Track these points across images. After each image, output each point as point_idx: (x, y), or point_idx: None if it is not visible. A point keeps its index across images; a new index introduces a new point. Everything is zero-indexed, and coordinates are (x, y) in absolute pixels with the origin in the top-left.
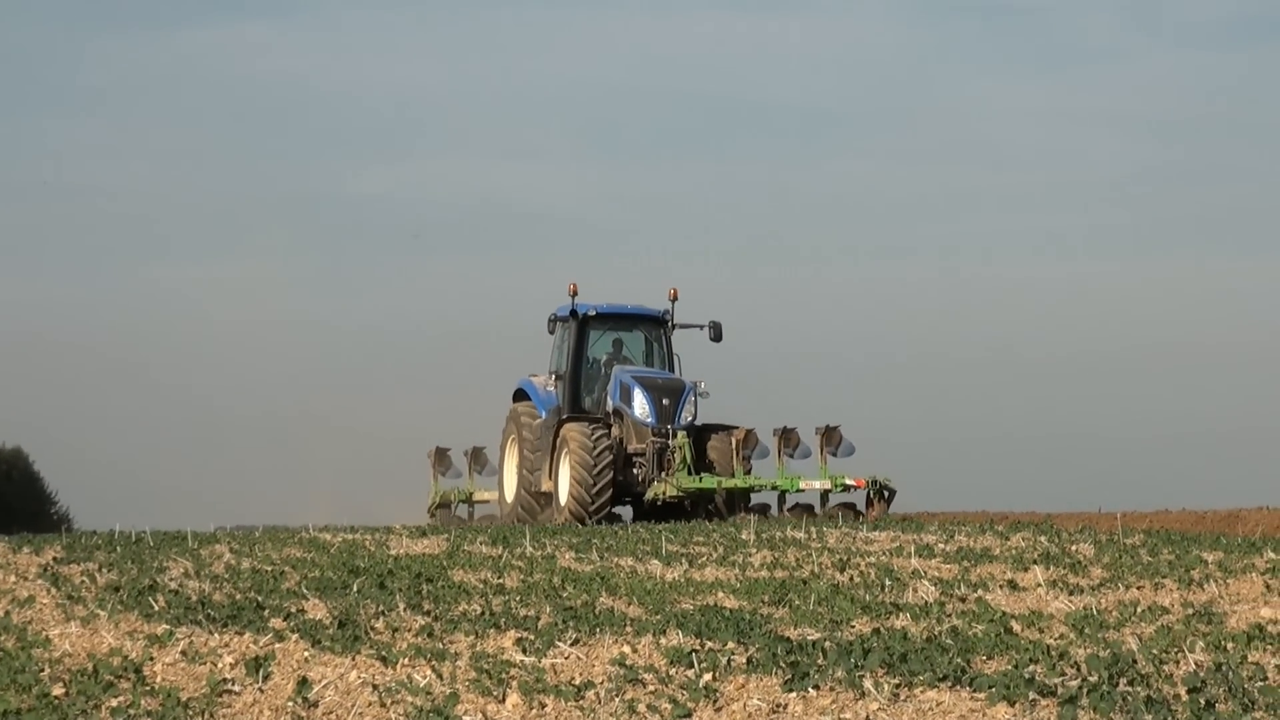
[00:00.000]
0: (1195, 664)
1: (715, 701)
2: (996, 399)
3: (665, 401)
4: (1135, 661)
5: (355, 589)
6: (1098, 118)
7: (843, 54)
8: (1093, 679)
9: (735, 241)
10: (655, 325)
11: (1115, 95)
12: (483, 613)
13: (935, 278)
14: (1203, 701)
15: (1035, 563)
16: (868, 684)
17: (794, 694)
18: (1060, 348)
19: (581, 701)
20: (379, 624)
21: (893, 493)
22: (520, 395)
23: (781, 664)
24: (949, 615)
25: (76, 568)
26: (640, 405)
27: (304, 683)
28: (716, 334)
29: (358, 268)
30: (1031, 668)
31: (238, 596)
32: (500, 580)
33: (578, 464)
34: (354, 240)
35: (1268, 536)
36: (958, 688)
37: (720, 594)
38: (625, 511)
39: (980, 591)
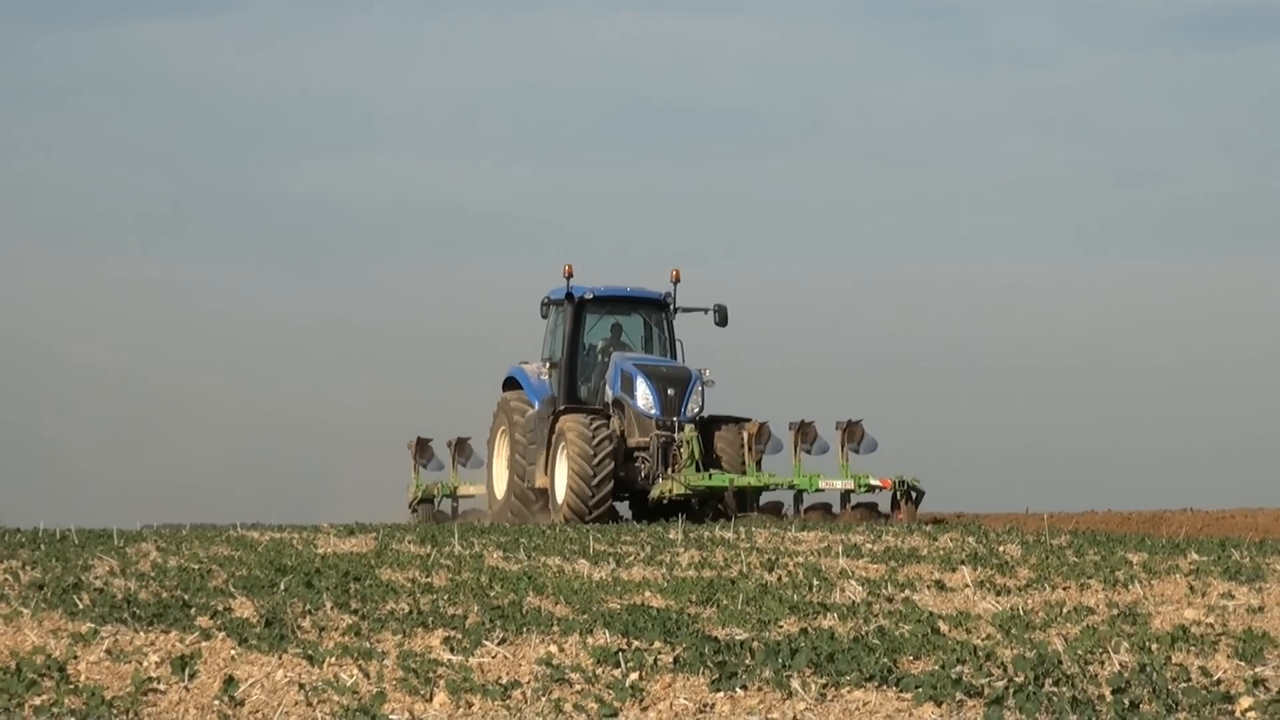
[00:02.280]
0: (1120, 665)
1: (642, 701)
2: (914, 399)
3: (670, 392)
4: (1061, 662)
5: (282, 587)
6: (1028, 120)
7: (774, 56)
8: (1019, 679)
9: (673, 242)
10: (656, 309)
11: (1046, 98)
12: (410, 612)
13: (866, 280)
14: (1127, 702)
15: (963, 563)
16: (795, 684)
17: (721, 693)
18: (987, 351)
19: (508, 701)
20: (306, 623)
21: (920, 494)
22: (511, 384)
23: (708, 663)
24: (876, 615)
25: None
26: (643, 395)
27: (230, 681)
28: (722, 318)
29: (296, 265)
30: (958, 668)
31: (164, 595)
32: (428, 579)
33: (576, 458)
34: (292, 238)
35: (1191, 538)
36: (885, 688)
37: (647, 593)
38: (624, 509)
39: (908, 592)
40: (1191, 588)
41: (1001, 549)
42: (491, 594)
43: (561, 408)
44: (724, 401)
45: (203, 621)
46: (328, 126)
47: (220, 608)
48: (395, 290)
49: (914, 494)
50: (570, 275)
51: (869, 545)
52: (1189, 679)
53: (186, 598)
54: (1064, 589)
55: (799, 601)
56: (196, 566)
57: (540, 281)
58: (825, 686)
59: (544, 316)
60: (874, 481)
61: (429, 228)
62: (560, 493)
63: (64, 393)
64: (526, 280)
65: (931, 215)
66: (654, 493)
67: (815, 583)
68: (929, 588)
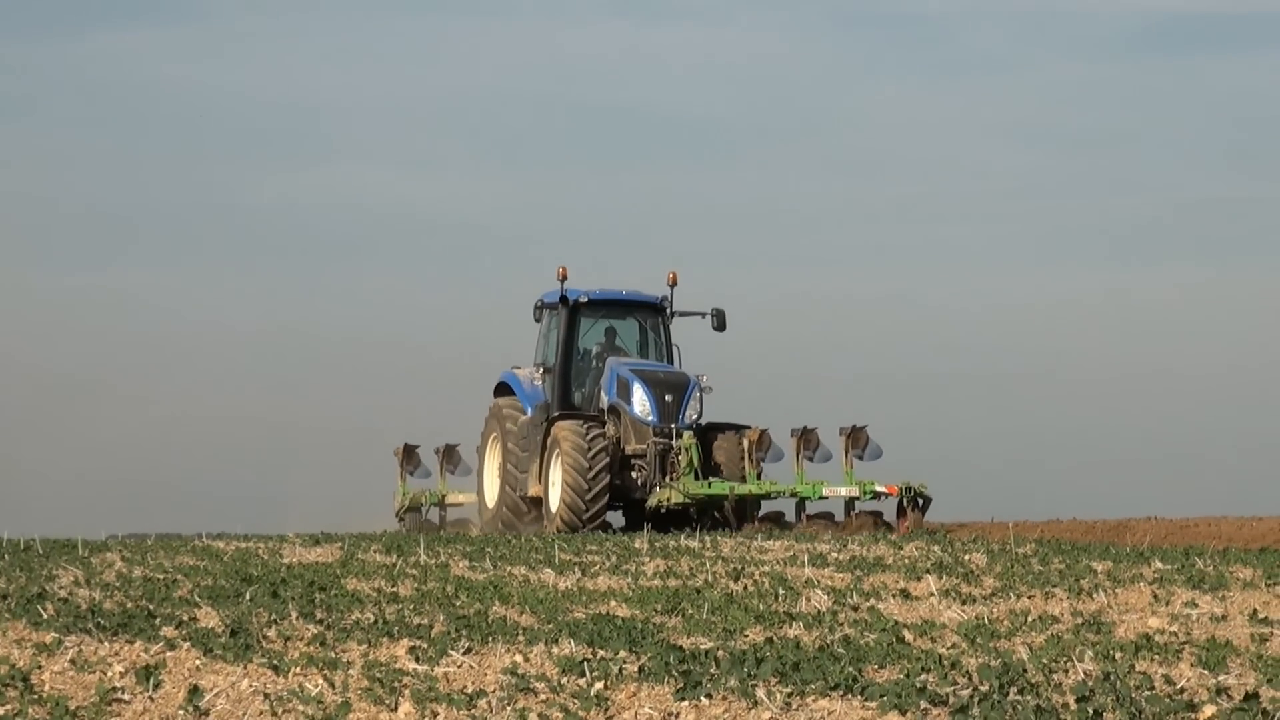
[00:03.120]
0: (1084, 673)
1: (607, 710)
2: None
3: (668, 398)
4: (1025, 671)
5: (248, 597)
6: (992, 128)
7: (740, 65)
8: (984, 688)
9: (635, 250)
10: (652, 313)
11: (1010, 106)
12: (376, 621)
13: (834, 288)
14: (1091, 710)
15: (928, 572)
16: (760, 693)
17: (686, 703)
18: (953, 359)
19: (473, 710)
20: (271, 632)
21: (928, 501)
22: (503, 389)
23: (673, 673)
24: (842, 624)
25: None
26: (640, 402)
27: (195, 691)
28: (720, 323)
29: (262, 273)
30: (923, 677)
31: (129, 605)
32: (394, 589)
33: (571, 467)
34: (257, 247)
35: (1155, 547)
36: (850, 697)
37: (613, 603)
38: (617, 519)
39: (873, 601)
40: (1155, 596)
41: (967, 558)
42: (457, 603)
43: (556, 414)
44: (719, 408)
45: (167, 631)
46: (293, 136)
47: (185, 618)
48: (361, 298)
49: (921, 500)
50: (564, 278)
51: (834, 554)
52: (1153, 687)
53: (151, 608)
54: (1029, 598)
55: (764, 611)
56: (161, 576)
57: (508, 290)
58: (790, 695)
59: (537, 320)
60: (880, 488)
61: (395, 237)
62: (554, 502)
63: (28, 402)
64: (495, 289)
65: (893, 223)
66: (651, 501)
67: (781, 592)
68: (894, 596)
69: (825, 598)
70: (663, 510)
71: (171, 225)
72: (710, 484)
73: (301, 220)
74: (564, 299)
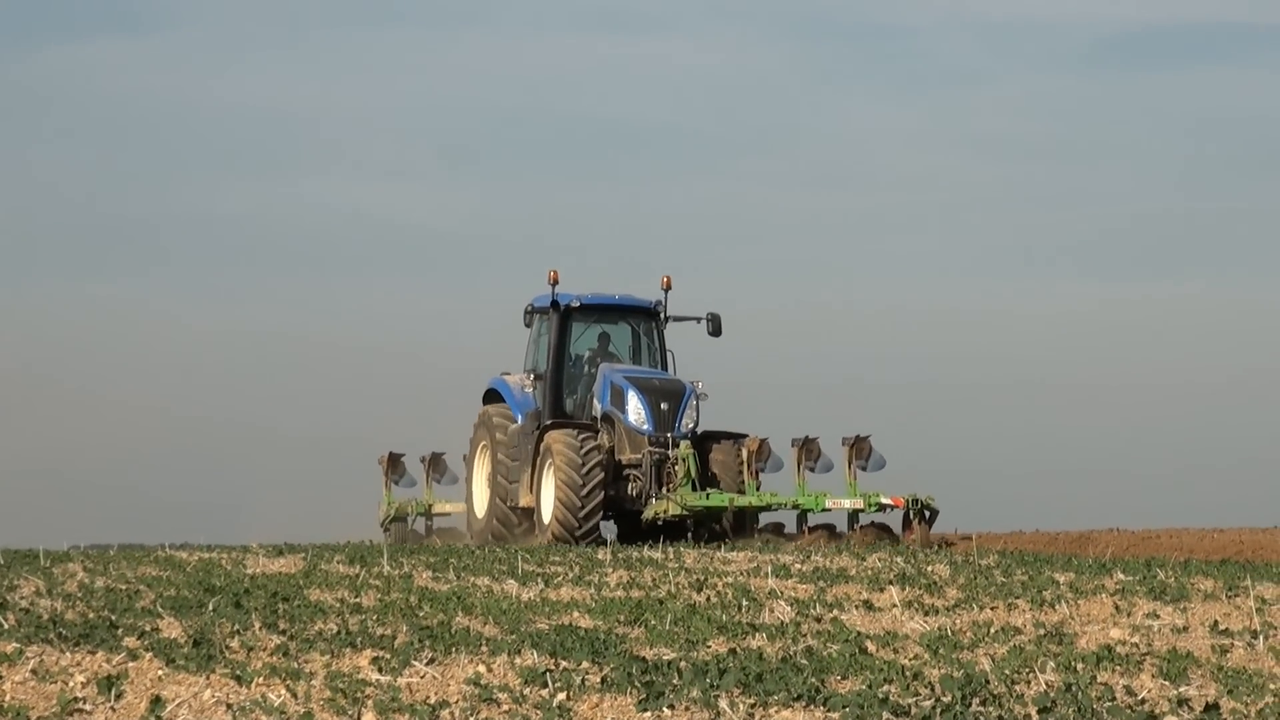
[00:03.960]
0: (1046, 684)
1: None
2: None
3: (664, 406)
4: (988, 682)
5: (211, 608)
6: (962, 140)
7: (708, 75)
8: (946, 699)
9: (600, 261)
10: (646, 318)
11: (978, 117)
12: (339, 632)
13: (798, 299)
14: None
15: (891, 583)
16: (723, 704)
17: (648, 713)
18: (919, 369)
19: None
20: (234, 643)
21: (935, 513)
22: (492, 396)
23: (636, 684)
24: (804, 635)
25: None
26: (635, 410)
27: (157, 701)
28: (715, 328)
29: (229, 281)
30: (886, 688)
31: (91, 615)
32: (357, 599)
33: (564, 478)
34: (224, 257)
35: (1117, 558)
36: (812, 707)
37: (576, 613)
38: (608, 529)
39: (836, 612)
40: (1117, 607)
41: (930, 569)
42: (420, 614)
43: (548, 422)
44: (712, 416)
45: (130, 642)
46: (262, 146)
47: (147, 628)
48: (331, 307)
49: (928, 513)
50: (555, 282)
51: (798, 566)
52: (1114, 698)
53: (114, 618)
54: (991, 609)
55: (727, 622)
56: (124, 587)
57: (482, 299)
58: (753, 706)
59: (527, 325)
60: (885, 500)
61: (364, 246)
62: (547, 513)
63: None
64: (470, 298)
65: (860, 235)
66: (648, 513)
67: (744, 603)
68: (857, 608)
69: (788, 609)
70: (659, 522)
71: (140, 234)
72: (708, 495)
73: (270, 230)
74: (555, 304)
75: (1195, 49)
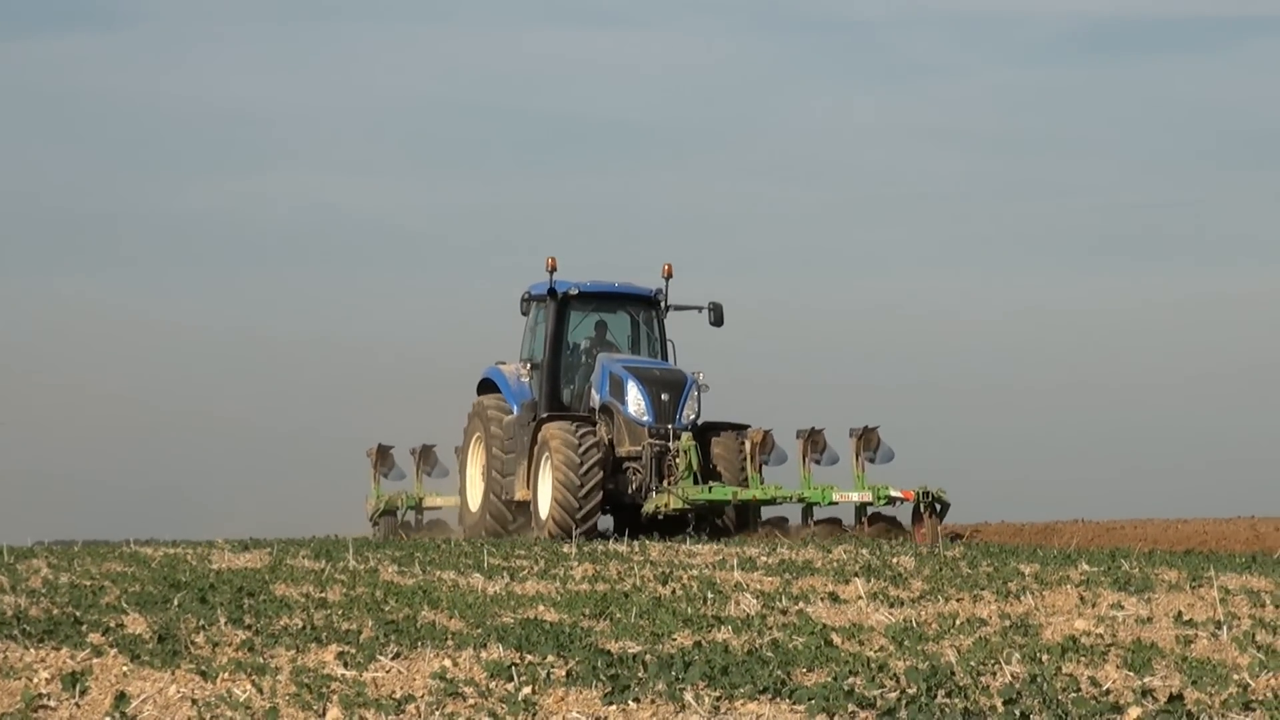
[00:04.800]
0: (1011, 676)
1: (535, 715)
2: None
3: (665, 397)
4: (953, 673)
5: (176, 603)
6: (929, 133)
7: (677, 69)
8: (911, 691)
9: (580, 255)
10: (646, 306)
11: (944, 111)
12: (304, 627)
13: (774, 295)
14: (1018, 713)
15: (856, 575)
16: (688, 697)
17: (614, 707)
18: (881, 363)
19: (402, 715)
20: (199, 638)
21: (946, 506)
22: (487, 386)
23: (601, 677)
24: (770, 628)
25: None
26: (635, 401)
27: (122, 697)
28: (717, 317)
29: (188, 279)
30: (851, 680)
31: (55, 611)
32: (323, 594)
33: (562, 469)
34: (182, 253)
35: (1082, 549)
36: (778, 700)
37: (541, 607)
38: (604, 522)
39: (802, 604)
40: (1082, 598)
41: (895, 561)
42: (386, 609)
43: (545, 414)
44: (711, 408)
45: (94, 638)
46: (226, 143)
47: (112, 624)
48: (293, 302)
49: (939, 506)
50: (553, 269)
51: (763, 558)
52: (1079, 689)
53: (78, 614)
54: (957, 600)
55: (693, 615)
56: (88, 583)
57: (448, 295)
58: (719, 699)
59: (524, 313)
60: (894, 493)
61: (328, 242)
62: (544, 507)
63: None
64: (434, 293)
65: (827, 227)
66: (648, 507)
67: (709, 596)
68: (823, 600)
69: (754, 601)
70: (659, 516)
71: (102, 229)
72: (711, 489)
73: (235, 225)
74: (553, 291)
75: (1157, 41)
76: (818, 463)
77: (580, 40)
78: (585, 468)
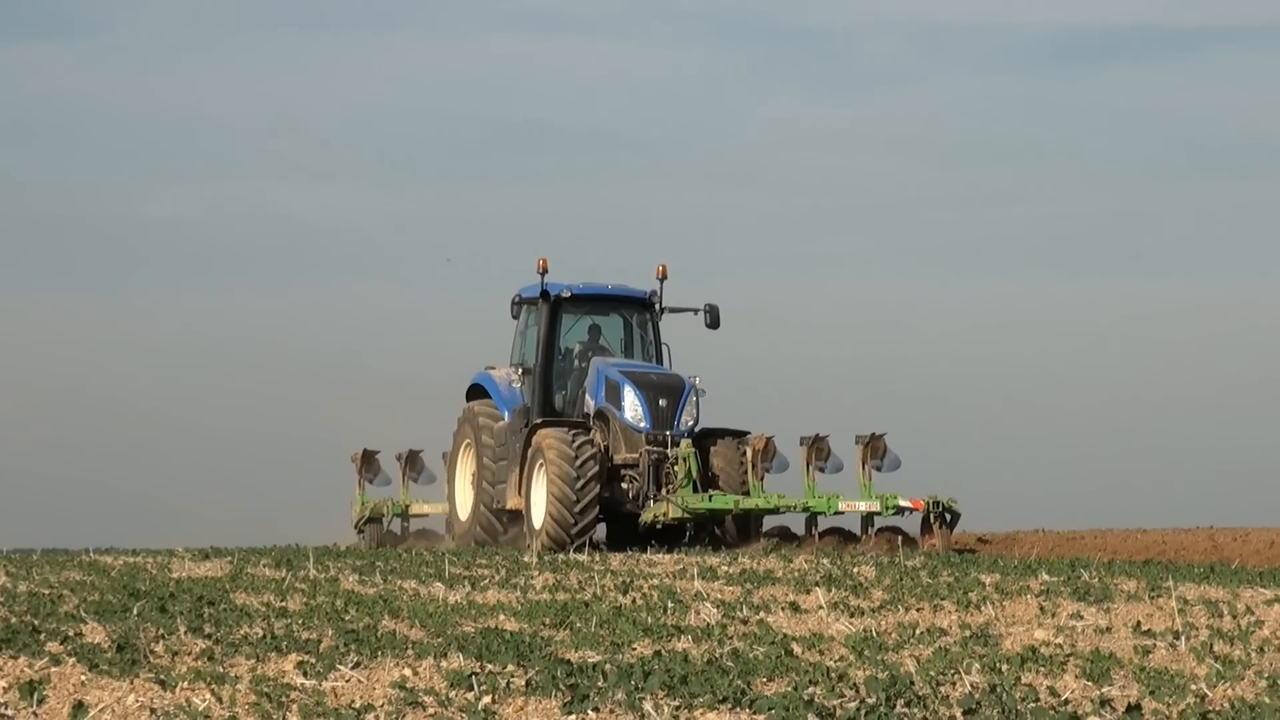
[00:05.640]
0: (971, 685)
1: None
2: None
3: (662, 402)
4: (913, 683)
5: (135, 612)
6: (888, 142)
7: (632, 76)
8: (871, 700)
9: (524, 265)
10: (640, 309)
11: (905, 119)
12: (264, 636)
13: (735, 303)
14: None
15: (817, 585)
16: (648, 706)
17: (573, 716)
18: (843, 371)
19: None
20: (159, 647)
21: (956, 516)
22: (477, 391)
23: (561, 686)
24: (730, 637)
25: None
26: (632, 407)
27: (80, 706)
28: (713, 319)
29: (150, 287)
30: (811, 689)
31: (13, 620)
32: (283, 603)
33: (557, 478)
34: (141, 261)
35: (1042, 559)
36: (738, 710)
37: (502, 616)
38: (601, 533)
39: (762, 614)
40: (1042, 608)
41: (856, 570)
42: (346, 618)
43: (538, 420)
44: (707, 414)
45: (52, 647)
46: (188, 150)
47: (71, 633)
48: (258, 309)
49: (949, 516)
50: (545, 270)
51: (724, 567)
52: (1038, 699)
53: (36, 623)
54: (917, 610)
55: (653, 624)
56: (47, 591)
57: (420, 300)
58: (678, 709)
59: (514, 316)
60: (904, 503)
61: (291, 249)
62: (539, 517)
63: None
64: (398, 298)
65: (784, 235)
66: (646, 516)
67: (670, 605)
68: (783, 609)
69: (714, 611)
70: (658, 526)
71: (65, 237)
72: (711, 497)
73: (198, 233)
74: (545, 293)
75: (1117, 51)
76: (822, 470)
77: (541, 47)
78: (581, 477)
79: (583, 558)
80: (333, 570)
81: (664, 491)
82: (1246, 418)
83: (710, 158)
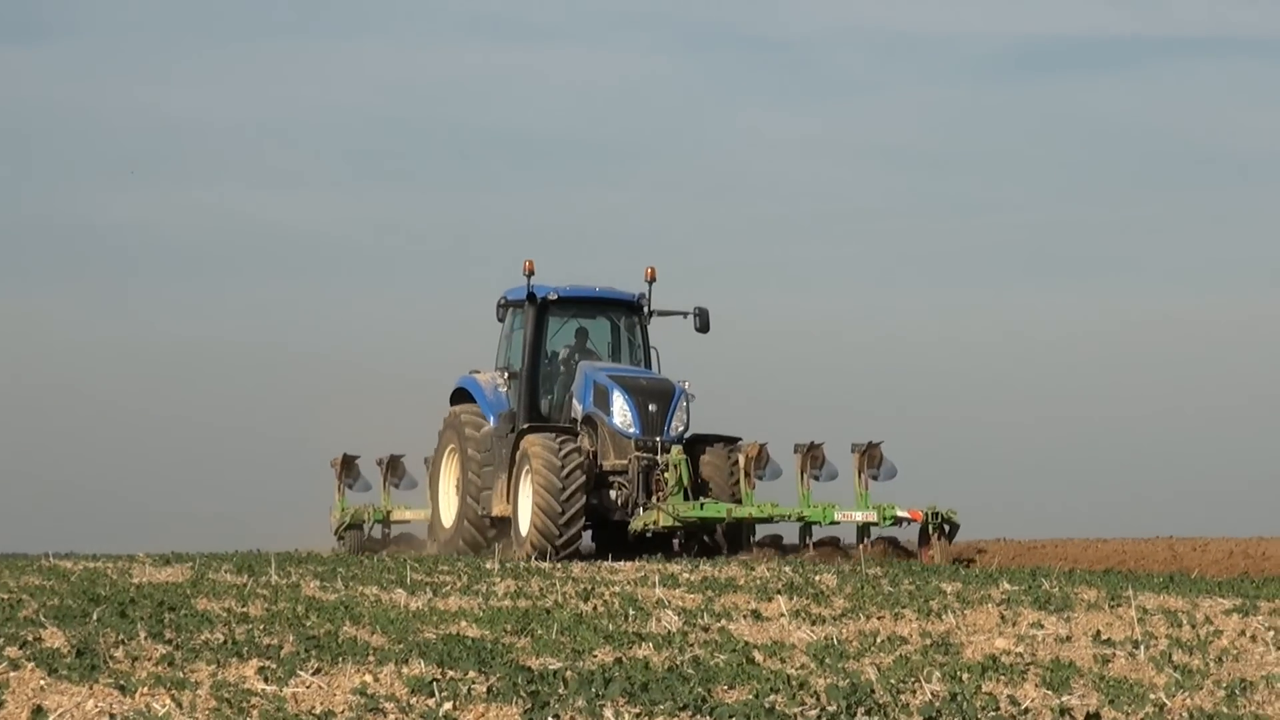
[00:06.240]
0: (931, 694)
1: None
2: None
3: (652, 408)
4: (873, 691)
5: (95, 617)
6: (853, 150)
7: (601, 85)
8: (831, 708)
9: (496, 271)
10: (629, 312)
11: (869, 128)
12: (225, 641)
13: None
14: None
15: (779, 593)
16: (608, 713)
17: None
18: (803, 377)
19: None
20: (119, 653)
21: (955, 527)
22: (461, 396)
23: (522, 693)
24: (692, 645)
25: None
26: (621, 412)
27: (39, 711)
28: (703, 323)
29: (112, 292)
30: (771, 697)
31: None
32: (244, 609)
33: (543, 487)
34: (108, 266)
35: (1003, 568)
36: (698, 717)
37: (463, 623)
38: (588, 541)
39: (724, 621)
40: (1003, 617)
41: (818, 578)
42: (308, 624)
43: (524, 426)
44: (695, 419)
45: (11, 652)
46: (151, 154)
47: (30, 638)
48: (221, 313)
49: (948, 527)
50: (531, 272)
51: (685, 575)
52: (998, 708)
53: None
54: (878, 618)
55: (614, 631)
56: (6, 596)
57: (388, 304)
58: (639, 716)
59: (500, 319)
60: (902, 513)
61: (255, 253)
62: (524, 525)
63: None
64: (363, 303)
65: (750, 243)
66: (635, 525)
67: (631, 612)
68: (745, 617)
69: (675, 618)
70: (648, 534)
71: (25, 241)
72: (703, 505)
73: (159, 237)
74: (531, 296)
75: (1083, 61)
76: (816, 479)
77: (507, 55)
78: (568, 484)
79: (544, 564)
80: (294, 576)
81: (654, 499)
82: (1206, 428)
83: (676, 167)
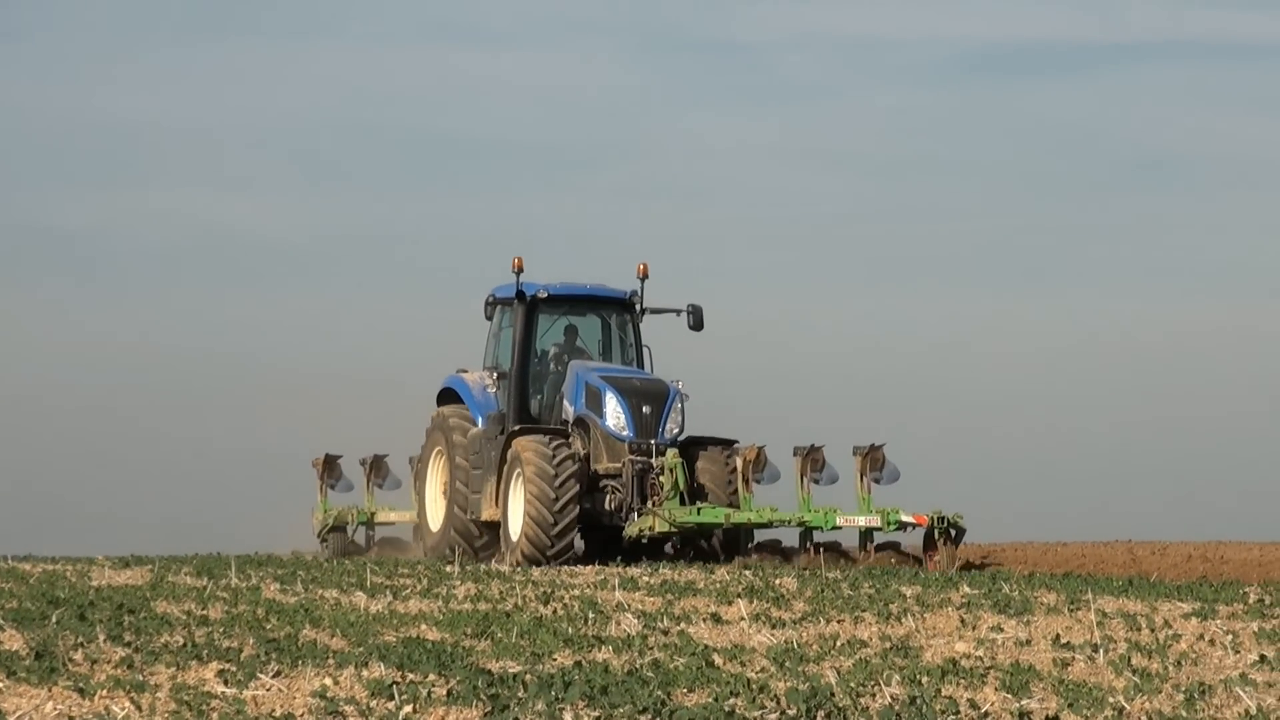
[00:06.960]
0: (891, 697)
1: None
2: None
3: (646, 410)
4: (833, 694)
5: (54, 620)
6: (813, 155)
7: (556, 89)
8: (791, 712)
9: (465, 273)
10: (620, 310)
11: (829, 133)
12: (185, 644)
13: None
14: None
15: (739, 596)
16: (568, 717)
17: None
18: (762, 381)
19: None
20: (78, 655)
21: (961, 532)
22: (448, 396)
23: (482, 696)
24: (651, 648)
25: None
26: (614, 414)
27: None
28: (697, 320)
29: (66, 296)
30: (731, 701)
31: None
32: (204, 612)
33: (535, 491)
34: (59, 269)
35: (963, 571)
36: None
37: (423, 626)
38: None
39: (683, 625)
40: (963, 621)
41: (778, 582)
42: (268, 627)
43: (515, 428)
44: (691, 420)
45: None
46: (106, 158)
47: None
48: (177, 318)
49: (954, 532)
50: (520, 269)
51: (645, 578)
52: (958, 711)
53: None
54: (838, 622)
55: (574, 634)
56: None
57: (366, 304)
58: (598, 719)
59: (488, 318)
60: (906, 518)
61: (212, 257)
62: (515, 531)
63: None
64: (311, 310)
65: (711, 247)
66: (630, 530)
67: (591, 615)
68: (705, 620)
69: (635, 621)
70: (643, 540)
71: None
72: (700, 510)
73: (115, 242)
74: (521, 294)
75: (1038, 65)
76: (816, 482)
77: (462, 59)
78: (561, 489)
79: (504, 568)
80: (254, 579)
81: (649, 504)
82: (1165, 432)
83: (631, 171)
